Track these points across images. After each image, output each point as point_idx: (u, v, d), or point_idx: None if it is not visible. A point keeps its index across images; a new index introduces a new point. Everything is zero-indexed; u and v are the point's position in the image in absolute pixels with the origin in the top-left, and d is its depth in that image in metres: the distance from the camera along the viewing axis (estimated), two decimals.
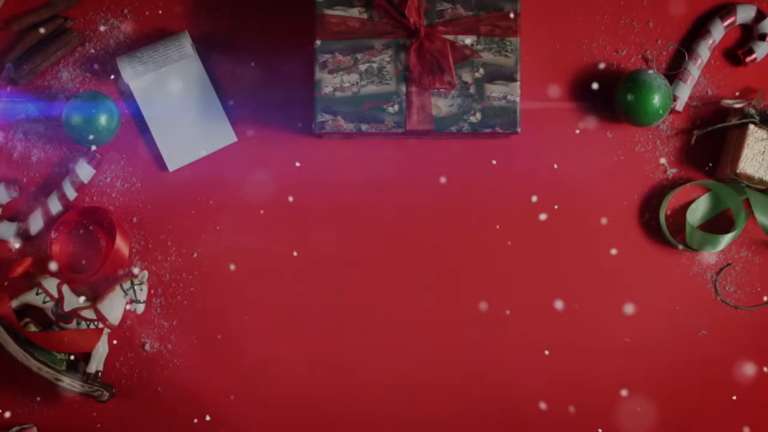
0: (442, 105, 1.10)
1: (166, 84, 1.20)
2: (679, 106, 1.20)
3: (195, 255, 1.21)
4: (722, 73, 1.22)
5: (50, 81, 1.22)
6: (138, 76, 1.20)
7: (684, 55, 1.21)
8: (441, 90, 1.10)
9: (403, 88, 1.10)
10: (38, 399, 1.21)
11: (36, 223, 1.20)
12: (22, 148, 1.22)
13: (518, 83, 1.10)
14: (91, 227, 1.22)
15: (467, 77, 1.10)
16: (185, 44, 1.19)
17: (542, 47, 1.22)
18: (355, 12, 1.10)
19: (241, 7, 1.22)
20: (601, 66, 1.22)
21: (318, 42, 1.10)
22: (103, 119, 1.15)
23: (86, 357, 1.19)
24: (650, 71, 1.16)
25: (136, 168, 1.22)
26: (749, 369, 1.21)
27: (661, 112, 1.16)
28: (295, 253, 1.21)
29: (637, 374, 1.21)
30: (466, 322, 1.22)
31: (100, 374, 1.18)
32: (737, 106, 1.19)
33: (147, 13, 1.22)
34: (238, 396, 1.21)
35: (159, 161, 1.21)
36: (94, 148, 1.19)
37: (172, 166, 1.21)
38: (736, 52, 1.22)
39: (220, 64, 1.22)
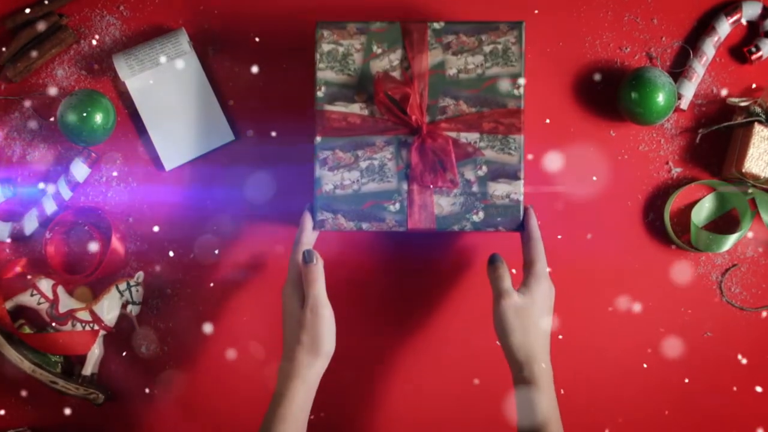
0: (444, 203, 1.09)
1: (163, 82, 1.19)
2: (684, 104, 1.19)
3: (192, 255, 1.20)
4: (728, 71, 1.21)
5: (45, 79, 1.21)
6: (134, 74, 1.18)
7: (689, 52, 1.20)
8: (443, 188, 1.09)
9: (405, 186, 1.09)
10: (33, 402, 1.20)
11: (31, 223, 1.19)
12: (17, 146, 1.21)
13: (522, 181, 1.09)
14: (86, 227, 1.20)
15: (470, 175, 1.09)
16: (182, 41, 1.18)
17: (545, 45, 1.21)
18: (356, 108, 1.08)
19: (239, 2, 1.21)
20: (605, 64, 1.21)
21: (318, 138, 1.08)
22: (98, 118, 1.14)
23: (81, 359, 1.17)
24: (654, 69, 1.16)
25: (132, 167, 1.21)
26: (755, 371, 1.20)
27: (665, 110, 1.15)
28: None
29: (641, 376, 1.20)
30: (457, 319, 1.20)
31: (95, 377, 1.17)
32: (743, 104, 1.17)
33: (143, 9, 1.21)
34: (236, 399, 1.20)
35: (156, 160, 1.21)
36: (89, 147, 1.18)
37: (168, 166, 1.20)
38: (741, 49, 1.21)
39: (218, 61, 1.21)
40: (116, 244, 1.18)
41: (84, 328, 1.16)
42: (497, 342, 1.05)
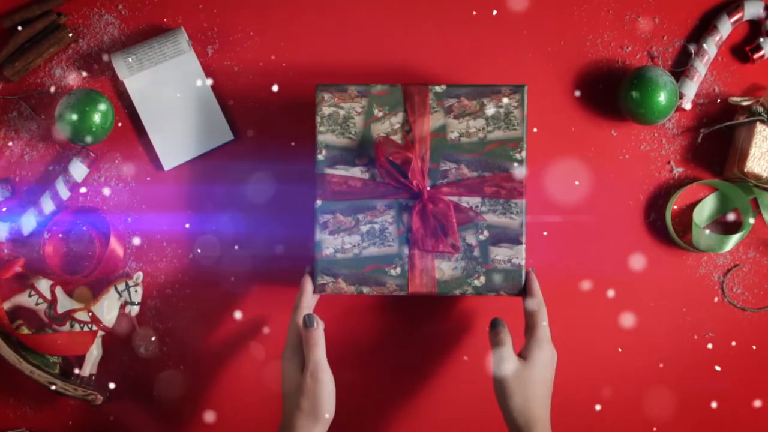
0: (445, 268, 1.07)
1: (162, 81, 1.19)
2: (686, 103, 1.18)
3: (191, 256, 1.19)
4: (729, 70, 1.20)
5: (43, 78, 1.20)
6: (133, 74, 1.18)
7: (690, 51, 1.19)
8: (444, 253, 1.07)
9: (406, 251, 1.07)
10: (30, 403, 1.19)
11: (29, 223, 1.18)
12: (15, 146, 1.20)
13: (523, 246, 1.07)
14: (84, 227, 1.20)
15: (471, 239, 1.07)
16: (181, 40, 1.17)
17: (546, 44, 1.20)
18: (356, 171, 1.07)
19: (238, 2, 1.21)
20: (606, 63, 1.20)
21: (319, 202, 1.07)
22: (97, 117, 1.14)
23: (80, 360, 1.17)
24: (656, 68, 1.15)
25: (131, 167, 1.20)
26: (757, 372, 1.20)
27: (667, 110, 1.14)
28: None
29: (642, 377, 1.20)
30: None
31: (93, 377, 1.17)
32: (745, 103, 1.16)
33: (142, 9, 1.20)
34: (236, 401, 1.20)
35: (154, 160, 1.20)
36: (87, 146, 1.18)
37: (167, 165, 1.19)
38: (743, 48, 1.20)
39: (217, 60, 1.20)
40: (115, 244, 1.17)
41: (82, 328, 1.15)
42: (498, 406, 1.04)
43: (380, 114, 1.08)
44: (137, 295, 1.17)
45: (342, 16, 1.20)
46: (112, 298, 1.16)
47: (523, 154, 1.07)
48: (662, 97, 1.13)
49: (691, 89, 1.19)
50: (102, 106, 1.14)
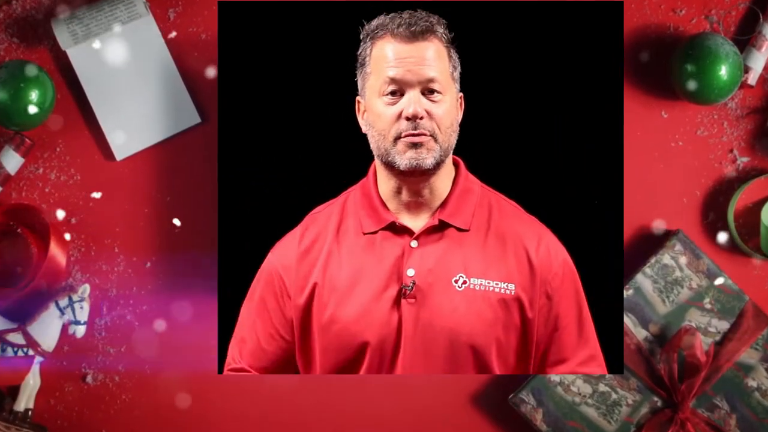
0: None
1: (113, 52, 1.14)
2: (752, 79, 1.12)
3: (148, 264, 1.14)
4: None
5: None
6: (78, 43, 1.13)
7: (758, 15, 1.13)
8: None
9: None
10: None
11: None
12: None
13: None
14: (19, 230, 1.15)
15: None
16: (136, 2, 1.12)
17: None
18: (641, 334, 1.04)
19: None
20: (655, 30, 1.13)
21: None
22: (33, 96, 1.09)
23: (13, 391, 1.12)
24: (716, 36, 1.08)
25: (75, 156, 1.15)
26: None
27: (729, 86, 1.08)
28: None
29: None
30: None
31: (30, 413, 1.11)
32: None
33: None
34: None
35: (104, 148, 1.14)
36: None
37: (120, 154, 1.15)
38: None
39: (181, 26, 1.14)
40: (55, 250, 1.12)
41: (16, 353, 1.10)
42: None
43: (708, 305, 1.06)
44: (83, 313, 1.11)
45: None
46: (53, 316, 1.11)
47: None
48: (723, 71, 1.08)
49: (758, 61, 1.13)
50: (39, 82, 1.09)
